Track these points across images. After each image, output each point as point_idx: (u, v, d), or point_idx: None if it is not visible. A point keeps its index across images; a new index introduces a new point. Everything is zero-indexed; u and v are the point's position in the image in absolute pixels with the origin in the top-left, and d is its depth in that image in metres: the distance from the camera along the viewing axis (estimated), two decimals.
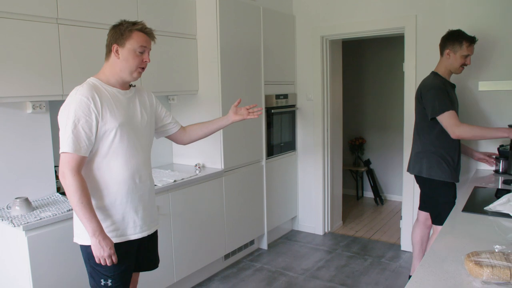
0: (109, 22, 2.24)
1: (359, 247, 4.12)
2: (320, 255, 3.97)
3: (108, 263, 1.82)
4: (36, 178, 2.59)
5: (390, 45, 5.55)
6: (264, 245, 4.10)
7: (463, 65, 2.85)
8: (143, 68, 1.96)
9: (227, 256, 3.68)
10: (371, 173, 5.78)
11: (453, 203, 2.53)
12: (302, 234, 4.52)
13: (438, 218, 2.84)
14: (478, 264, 1.37)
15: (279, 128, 4.24)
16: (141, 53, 1.92)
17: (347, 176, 5.78)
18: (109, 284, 1.92)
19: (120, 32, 1.88)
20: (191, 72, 3.45)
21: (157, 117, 2.19)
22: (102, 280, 1.92)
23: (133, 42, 1.88)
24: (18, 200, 2.31)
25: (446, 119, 2.68)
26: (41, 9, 2.37)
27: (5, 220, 2.19)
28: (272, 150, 4.12)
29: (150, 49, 1.97)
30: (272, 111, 4.06)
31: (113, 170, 1.89)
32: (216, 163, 3.49)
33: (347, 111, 5.22)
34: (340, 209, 4.83)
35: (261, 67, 3.88)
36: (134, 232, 1.98)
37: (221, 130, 3.41)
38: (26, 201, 2.33)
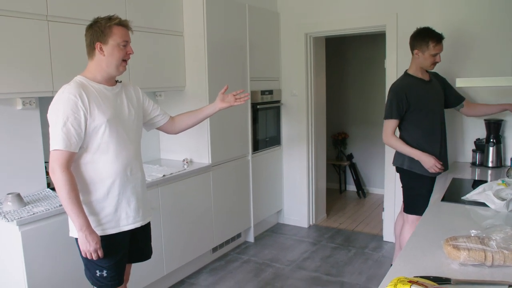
0: None
1: (343, 239, 4.24)
2: (305, 246, 4.07)
3: (94, 257, 1.88)
4: (27, 174, 2.61)
5: (372, 42, 5.68)
6: (251, 238, 4.19)
7: (434, 63, 2.94)
8: (126, 61, 2.02)
9: (215, 249, 3.75)
10: (353, 167, 5.91)
11: (427, 197, 2.65)
12: (288, 227, 4.63)
13: (410, 207, 3.01)
14: (456, 247, 1.48)
15: (264, 123, 4.32)
16: (124, 46, 1.98)
17: (330, 170, 5.90)
18: (105, 274, 1.98)
19: (100, 29, 1.92)
20: (178, 69, 3.50)
21: (144, 110, 2.24)
22: (97, 271, 1.98)
23: (116, 38, 1.94)
24: (10, 195, 2.34)
25: (384, 126, 2.98)
26: (31, 6, 2.39)
27: None
28: (257, 145, 4.20)
29: (130, 41, 2.03)
30: (258, 106, 4.14)
31: (105, 164, 1.95)
32: (203, 158, 3.55)
33: (330, 107, 5.33)
34: (324, 202, 4.95)
35: (247, 64, 3.95)
36: (127, 223, 2.04)
37: (208, 125, 3.49)
38: (18, 196, 2.36)
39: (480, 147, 3.28)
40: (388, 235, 4.13)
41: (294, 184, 4.61)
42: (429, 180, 2.93)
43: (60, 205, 2.35)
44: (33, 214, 2.23)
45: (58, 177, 1.81)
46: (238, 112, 3.88)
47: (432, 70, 3.07)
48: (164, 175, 3.07)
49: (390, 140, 2.96)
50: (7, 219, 2.16)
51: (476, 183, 2.73)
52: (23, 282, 2.20)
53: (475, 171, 3.19)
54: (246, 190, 4.04)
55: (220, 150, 3.64)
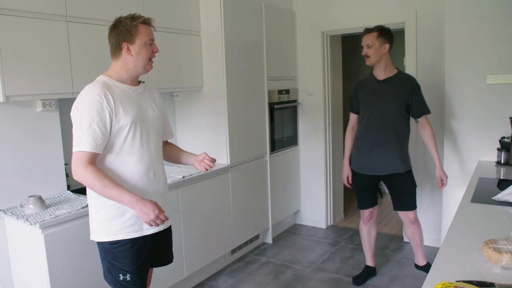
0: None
1: None
2: (324, 248, 4.02)
3: (159, 223, 1.83)
4: (47, 176, 2.60)
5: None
6: (269, 239, 4.14)
7: (366, 56, 3.02)
8: (151, 59, 2.00)
9: (233, 251, 3.72)
10: None
11: (357, 193, 3.20)
12: (305, 227, 4.57)
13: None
14: (497, 250, 1.42)
15: (281, 123, 4.27)
16: (150, 44, 1.96)
17: None
18: (128, 278, 1.95)
19: (126, 29, 1.90)
20: (195, 69, 3.47)
21: None
22: (120, 275, 1.95)
23: (142, 36, 1.92)
24: (32, 198, 2.33)
25: None
26: (50, 6, 2.37)
27: (20, 218, 2.21)
28: (275, 145, 4.15)
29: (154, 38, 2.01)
30: (275, 106, 4.09)
31: (128, 166, 1.91)
32: (222, 159, 3.51)
33: (346, 106, 5.24)
34: (342, 202, 4.89)
35: (264, 63, 3.91)
36: (149, 227, 1.97)
37: (226, 126, 3.46)
38: (40, 199, 2.35)
39: (505, 145, 3.20)
40: None
41: (311, 184, 4.55)
42: (360, 176, 3.14)
43: (82, 208, 2.33)
44: (56, 217, 2.22)
45: (83, 174, 1.78)
46: (256, 112, 3.84)
47: (409, 74, 3.14)
48: (183, 176, 3.04)
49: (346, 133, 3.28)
50: (29, 222, 2.15)
51: (501, 183, 2.66)
52: (46, 285, 2.19)
53: (501, 170, 3.10)
54: (264, 191, 4.00)
55: (238, 151, 3.60)
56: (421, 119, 3.06)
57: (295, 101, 4.46)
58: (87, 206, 2.19)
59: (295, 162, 4.54)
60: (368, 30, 3.00)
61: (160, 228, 2.04)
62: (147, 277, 2.21)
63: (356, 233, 4.35)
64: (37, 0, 2.30)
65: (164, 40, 3.12)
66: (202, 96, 3.57)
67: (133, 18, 1.92)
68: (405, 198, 3.12)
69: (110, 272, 1.98)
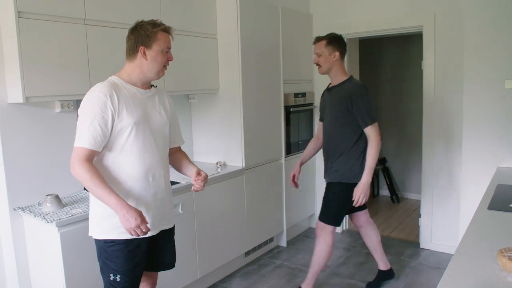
0: (132, 22, 2.30)
1: None
2: (339, 252, 3.99)
3: (140, 233, 1.82)
4: (64, 175, 2.64)
5: (407, 43, 5.55)
6: (283, 242, 4.13)
7: (317, 65, 2.96)
8: (165, 67, 2.02)
9: (247, 253, 3.72)
10: (387, 171, 5.78)
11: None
12: None
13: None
14: None
15: (297, 126, 4.26)
16: (167, 52, 1.98)
17: None
18: (118, 279, 1.94)
19: (146, 34, 1.92)
20: (211, 71, 3.49)
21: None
22: (111, 275, 1.95)
23: (160, 43, 1.93)
24: (49, 197, 2.37)
25: None
26: (69, 10, 2.42)
27: (38, 216, 2.25)
28: (290, 148, 4.14)
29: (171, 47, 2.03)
30: (291, 109, 4.09)
31: (127, 167, 1.92)
32: (237, 161, 3.52)
33: None
34: None
35: (280, 66, 3.91)
36: None
37: (242, 129, 3.47)
38: (57, 198, 2.39)
39: None
40: (425, 242, 3.99)
41: None
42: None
43: None
44: (72, 215, 2.25)
45: (78, 170, 1.80)
46: (271, 115, 3.84)
47: (357, 82, 2.92)
48: None
49: None
50: (46, 220, 2.19)
51: None
52: (61, 282, 2.23)
53: None
54: (279, 194, 3.99)
55: (253, 154, 3.61)
56: (366, 130, 2.81)
57: (311, 104, 4.44)
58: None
59: (311, 165, 4.52)
60: (317, 39, 2.94)
61: (154, 232, 2.01)
62: (150, 282, 2.21)
63: None
64: (57, 4, 2.35)
65: (181, 42, 3.16)
66: (218, 98, 3.59)
67: (154, 24, 1.95)
68: (325, 206, 3.01)
69: (102, 271, 1.98)
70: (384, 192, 5.96)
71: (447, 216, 3.83)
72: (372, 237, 3.23)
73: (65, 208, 2.38)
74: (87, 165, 1.80)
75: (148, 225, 1.94)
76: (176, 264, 2.76)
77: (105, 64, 2.61)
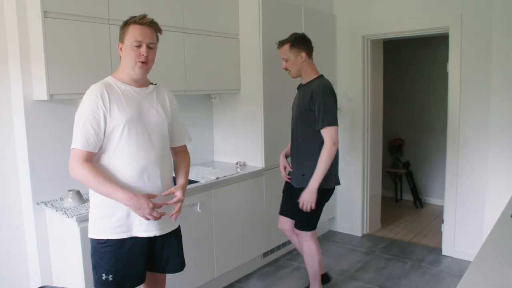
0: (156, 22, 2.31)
1: (398, 250, 4.07)
2: (358, 256, 3.94)
3: (157, 216, 1.83)
4: None
5: (432, 44, 5.44)
6: None
7: (286, 70, 2.85)
8: (143, 63, 1.90)
9: (265, 254, 3.71)
10: (410, 175, 5.67)
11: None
12: (340, 235, 4.50)
13: None
14: None
15: None
16: (137, 47, 1.88)
17: (385, 178, 5.69)
18: (110, 279, 1.91)
19: (121, 29, 1.93)
20: (233, 72, 3.50)
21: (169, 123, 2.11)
22: (103, 275, 1.92)
23: (129, 37, 1.89)
24: (70, 192, 2.43)
25: None
26: (94, 10, 2.47)
27: (59, 211, 2.31)
28: None
29: (153, 42, 1.92)
30: None
31: (122, 167, 1.89)
32: (256, 162, 3.52)
33: (387, 112, 5.14)
34: (379, 211, 4.77)
35: None
36: (139, 229, 1.93)
37: (262, 129, 3.47)
38: (78, 193, 2.45)
39: None
40: (447, 248, 3.90)
41: (347, 190, 4.48)
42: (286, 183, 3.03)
43: None
44: None
45: (78, 171, 1.81)
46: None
47: (322, 81, 2.78)
48: (217, 178, 3.08)
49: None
50: (67, 215, 2.24)
51: None
52: (81, 275, 2.28)
53: None
54: None
55: (273, 154, 3.59)
56: (321, 132, 2.66)
57: None
58: None
59: None
60: (280, 43, 2.81)
61: (151, 234, 1.96)
62: (156, 283, 2.17)
63: (393, 243, 4.24)
64: (81, 4, 2.41)
65: (202, 42, 3.19)
66: (239, 98, 3.60)
67: (131, 18, 1.92)
68: (297, 213, 2.83)
69: (95, 270, 1.95)
70: (407, 196, 5.85)
71: (471, 223, 3.73)
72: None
73: (85, 204, 2.43)
74: (87, 165, 1.81)
75: (146, 225, 1.93)
76: (194, 262, 2.78)
77: None
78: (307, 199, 2.69)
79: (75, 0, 2.37)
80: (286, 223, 3.05)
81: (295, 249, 4.06)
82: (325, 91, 2.68)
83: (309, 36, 3.94)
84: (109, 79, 1.95)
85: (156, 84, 2.07)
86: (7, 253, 2.50)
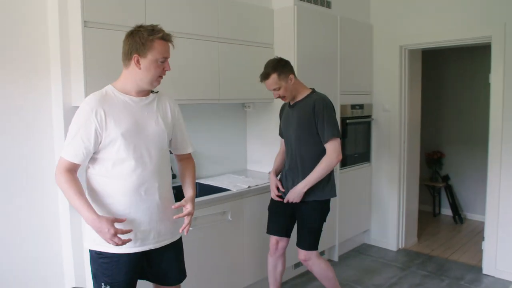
0: (190, 31, 2.36)
1: (435, 267, 3.91)
2: (393, 271, 3.82)
3: (118, 242, 1.74)
4: None
5: (473, 54, 5.27)
6: (335, 257, 4.03)
7: (280, 97, 2.79)
8: (161, 76, 1.91)
9: (297, 265, 3.66)
10: (449, 189, 5.48)
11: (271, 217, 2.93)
12: (374, 248, 4.39)
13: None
14: None
15: (353, 138, 4.17)
16: (162, 62, 1.86)
17: (423, 192, 5.51)
18: None
19: (141, 41, 1.81)
20: None
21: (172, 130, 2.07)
22: (102, 284, 1.89)
23: (156, 53, 1.82)
24: None
25: None
26: (130, 19, 2.51)
27: None
28: (346, 161, 4.05)
29: (169, 56, 1.91)
30: (347, 121, 4.01)
31: (117, 181, 1.85)
32: None
33: (425, 124, 5.00)
34: (416, 225, 4.62)
35: (338, 77, 3.85)
36: (134, 245, 1.88)
37: None
38: None
39: None
40: (488, 267, 3.72)
41: (383, 203, 4.37)
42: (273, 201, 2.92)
43: None
44: None
45: (59, 179, 1.80)
46: None
47: (319, 95, 2.75)
48: (249, 186, 3.07)
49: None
50: None
51: None
52: None
53: None
54: (332, 207, 3.89)
55: None
56: (325, 145, 2.65)
57: (369, 116, 4.33)
58: None
59: (367, 179, 4.39)
60: (265, 77, 2.71)
61: (145, 248, 1.91)
62: None
63: (429, 259, 4.09)
64: (119, 13, 2.48)
65: (237, 52, 3.22)
66: (273, 108, 3.59)
67: (152, 30, 1.83)
68: (300, 233, 2.77)
69: (95, 278, 1.93)
70: (446, 211, 5.65)
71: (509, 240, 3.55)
72: (282, 267, 2.99)
73: None
74: (67, 176, 1.79)
75: (141, 240, 1.89)
76: (224, 270, 2.78)
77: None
78: (292, 198, 2.71)
79: (113, 10, 2.44)
80: (283, 242, 2.92)
81: (328, 260, 3.97)
82: (327, 104, 2.69)
83: (345, 45, 3.93)
84: (108, 88, 1.90)
85: (157, 92, 2.01)
86: (43, 253, 2.57)
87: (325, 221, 2.81)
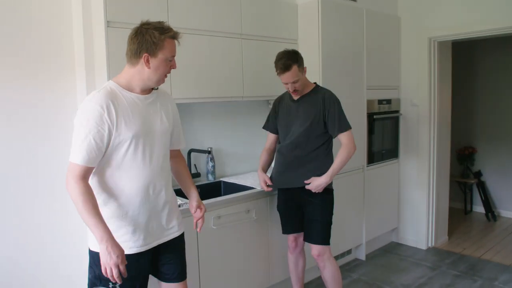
0: (214, 29, 2.33)
1: (467, 266, 3.79)
2: (422, 271, 3.72)
3: (115, 273, 1.67)
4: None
5: (507, 45, 5.06)
6: (362, 256, 3.95)
7: (295, 91, 2.69)
8: (167, 75, 1.89)
9: None
10: (482, 186, 5.30)
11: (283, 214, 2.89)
12: (403, 247, 4.28)
13: None
14: None
15: (380, 134, 4.07)
16: (170, 61, 1.84)
17: (454, 188, 5.35)
18: (117, 287, 1.82)
19: (152, 40, 1.76)
20: None
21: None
22: (110, 283, 1.81)
23: (166, 52, 1.79)
24: None
25: None
26: (153, 18, 2.51)
27: None
28: (373, 157, 3.96)
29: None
30: (374, 116, 3.91)
31: (126, 181, 1.81)
32: None
33: (456, 118, 4.84)
34: (446, 223, 4.49)
35: (364, 71, 3.76)
36: (144, 243, 1.87)
37: None
38: None
39: None
40: None
41: (412, 201, 4.26)
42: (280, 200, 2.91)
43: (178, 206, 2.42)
44: None
45: (72, 188, 1.69)
46: (353, 122, 3.67)
47: (326, 90, 2.75)
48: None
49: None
50: None
51: None
52: None
53: None
54: (359, 204, 3.83)
55: None
56: (339, 137, 2.68)
57: (397, 111, 4.22)
58: (179, 205, 2.29)
59: (394, 176, 4.28)
60: (286, 67, 2.58)
61: (154, 244, 1.91)
62: None
63: (461, 258, 3.97)
64: (141, 13, 2.42)
65: (261, 48, 3.17)
66: None
67: (162, 29, 1.79)
68: (312, 227, 2.73)
69: (99, 279, 1.84)
70: (478, 208, 5.47)
71: None
72: (303, 263, 3.00)
73: None
74: (81, 185, 1.69)
75: (150, 237, 1.88)
76: (249, 269, 2.76)
77: (186, 69, 2.68)
78: (317, 185, 2.67)
79: (135, 10, 2.43)
80: (301, 237, 2.88)
81: (355, 259, 3.93)
82: (335, 98, 2.71)
83: (371, 39, 3.83)
84: (112, 85, 1.82)
85: (157, 89, 1.97)
86: (68, 252, 2.59)
87: (333, 214, 2.80)
